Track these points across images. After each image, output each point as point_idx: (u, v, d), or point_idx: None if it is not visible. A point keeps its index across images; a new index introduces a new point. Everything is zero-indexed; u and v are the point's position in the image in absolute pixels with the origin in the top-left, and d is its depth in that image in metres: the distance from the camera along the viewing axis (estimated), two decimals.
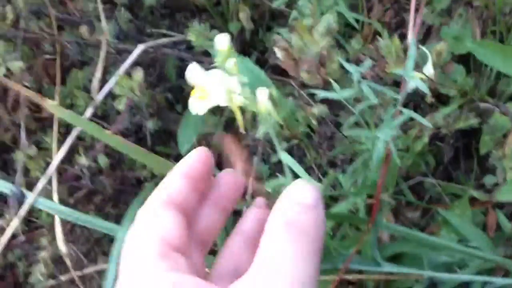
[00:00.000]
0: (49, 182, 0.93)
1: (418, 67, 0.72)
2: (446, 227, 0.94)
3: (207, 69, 0.99)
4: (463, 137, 1.14)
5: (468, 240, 0.91)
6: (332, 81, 0.71)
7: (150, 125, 0.99)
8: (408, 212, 1.11)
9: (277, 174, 0.57)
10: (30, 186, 1.02)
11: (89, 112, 0.86)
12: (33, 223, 1.12)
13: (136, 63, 0.95)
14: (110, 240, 1.08)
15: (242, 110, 0.51)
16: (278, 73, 1.24)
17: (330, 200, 1.08)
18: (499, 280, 0.87)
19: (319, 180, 1.21)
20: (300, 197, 0.46)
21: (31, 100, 1.04)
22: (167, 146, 1.25)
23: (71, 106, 1.02)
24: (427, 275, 0.88)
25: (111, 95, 0.93)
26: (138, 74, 0.82)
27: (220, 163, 1.07)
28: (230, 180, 0.54)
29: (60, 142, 0.95)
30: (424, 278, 0.89)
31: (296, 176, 0.52)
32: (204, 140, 1.15)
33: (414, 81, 0.67)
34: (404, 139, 0.98)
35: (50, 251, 0.95)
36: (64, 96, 1.02)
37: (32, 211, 0.92)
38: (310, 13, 0.89)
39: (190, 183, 0.50)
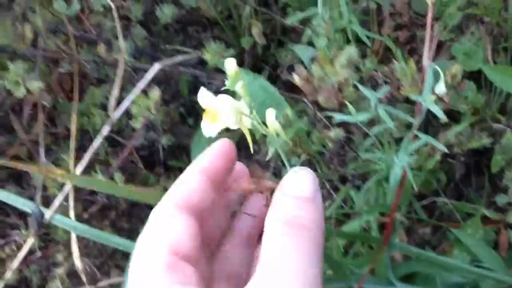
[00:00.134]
0: (66, 198, 0.93)
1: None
2: (459, 246, 0.94)
3: (219, 86, 1.00)
4: (474, 154, 1.14)
5: (480, 260, 0.92)
6: (348, 103, 0.71)
7: (164, 141, 1.00)
8: (420, 228, 1.12)
9: None
10: (46, 198, 1.04)
11: (105, 130, 0.86)
12: (49, 237, 1.13)
13: (151, 80, 0.96)
14: (124, 253, 1.09)
15: (252, 131, 0.52)
16: (290, 89, 1.25)
17: (342, 216, 1.08)
18: None
19: (330, 195, 1.21)
20: (297, 190, 0.45)
21: (47, 115, 1.06)
22: (179, 160, 1.26)
23: (87, 123, 1.03)
24: None
25: (127, 112, 0.94)
26: (155, 93, 0.83)
27: None
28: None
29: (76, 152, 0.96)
30: None
31: None
32: None
33: (431, 106, 0.67)
34: (416, 158, 0.98)
35: (65, 267, 0.95)
36: (81, 112, 1.03)
37: (49, 226, 0.93)
38: (324, 32, 0.90)
39: (208, 182, 0.47)
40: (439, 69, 0.80)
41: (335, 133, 0.74)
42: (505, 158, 0.99)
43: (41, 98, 0.83)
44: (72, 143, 0.91)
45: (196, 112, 1.27)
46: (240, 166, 0.51)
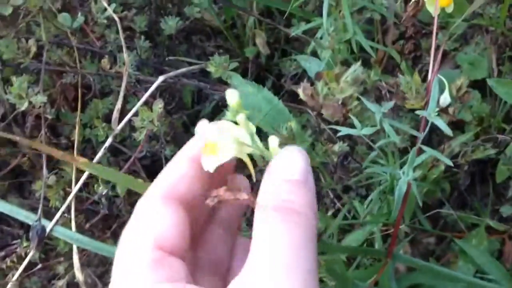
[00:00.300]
0: (68, 208, 0.93)
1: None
2: (463, 257, 0.94)
3: (223, 96, 0.99)
4: (479, 163, 1.14)
5: (485, 271, 0.91)
6: (352, 117, 0.71)
7: (167, 151, 0.99)
8: (424, 238, 1.11)
9: None
10: (47, 209, 1.03)
11: (108, 142, 0.86)
12: (50, 246, 1.12)
13: (155, 91, 0.95)
14: None
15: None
16: (294, 99, 1.25)
17: (346, 225, 1.08)
18: None
19: (334, 204, 1.21)
20: (287, 172, 0.42)
21: (49, 125, 1.05)
22: None
23: (90, 134, 1.03)
24: None
25: (130, 123, 0.94)
26: (159, 105, 0.83)
27: None
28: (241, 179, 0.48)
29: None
30: None
31: None
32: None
33: (436, 121, 0.67)
34: (420, 168, 0.97)
35: (66, 278, 0.95)
36: (84, 124, 1.02)
37: (50, 238, 0.92)
38: (329, 45, 0.90)
39: (197, 168, 0.44)
40: (444, 80, 0.80)
41: (339, 146, 0.74)
42: (511, 168, 0.99)
43: (44, 112, 0.83)
44: (76, 152, 0.91)
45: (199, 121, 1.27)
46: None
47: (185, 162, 0.45)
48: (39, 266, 0.97)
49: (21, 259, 0.97)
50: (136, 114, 0.88)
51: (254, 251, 0.39)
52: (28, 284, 1.06)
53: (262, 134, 0.53)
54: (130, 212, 1.14)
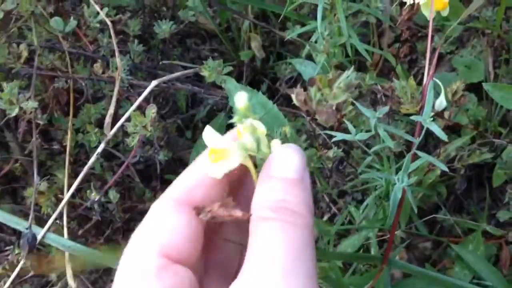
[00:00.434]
0: (60, 215, 0.92)
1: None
2: (460, 263, 0.93)
3: (217, 100, 0.97)
4: (475, 167, 1.13)
5: (482, 277, 0.90)
6: (347, 122, 0.70)
7: (161, 156, 0.98)
8: (420, 243, 1.10)
9: None
10: (39, 215, 1.02)
11: (101, 148, 0.85)
12: (42, 253, 1.11)
13: (148, 95, 0.94)
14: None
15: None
16: (289, 102, 1.24)
17: (342, 230, 1.07)
18: None
19: (329, 209, 1.20)
20: (283, 171, 0.41)
21: (42, 130, 1.04)
22: (176, 174, 1.24)
23: (83, 139, 1.02)
24: None
25: (123, 128, 0.93)
26: (152, 110, 0.82)
27: None
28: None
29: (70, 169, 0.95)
30: None
31: None
32: None
33: (431, 127, 0.66)
34: (416, 173, 0.97)
35: (59, 286, 0.94)
36: (76, 129, 1.01)
37: (43, 245, 0.91)
38: (323, 49, 0.89)
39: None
40: (440, 83, 0.79)
41: (334, 152, 0.73)
42: (507, 172, 0.98)
43: (36, 117, 0.82)
44: (67, 161, 0.90)
45: (194, 125, 1.26)
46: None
47: (203, 167, 0.44)
48: (31, 273, 0.96)
49: (13, 266, 0.96)
50: (129, 119, 0.87)
51: (252, 254, 0.39)
52: None
53: None
54: (123, 218, 1.14)
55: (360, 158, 1.04)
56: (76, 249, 0.88)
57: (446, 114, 0.85)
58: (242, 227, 0.46)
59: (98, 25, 0.93)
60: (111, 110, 0.83)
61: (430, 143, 1.18)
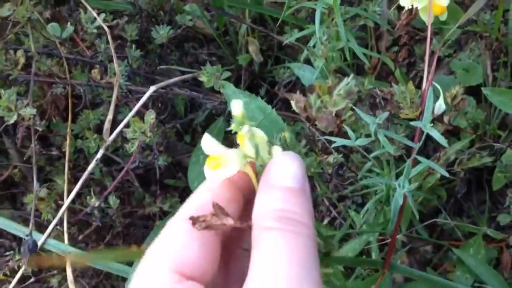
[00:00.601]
0: (60, 221, 0.92)
1: None
2: (461, 267, 0.93)
3: (215, 105, 0.97)
4: (475, 170, 1.13)
5: (483, 281, 0.90)
6: (347, 128, 0.70)
7: (160, 161, 0.98)
8: (421, 246, 1.10)
9: None
10: (39, 220, 1.02)
11: (100, 154, 0.85)
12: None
13: (147, 100, 0.94)
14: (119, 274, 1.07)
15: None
16: (288, 106, 1.24)
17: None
18: None
19: (329, 213, 1.20)
20: (284, 179, 0.41)
21: (40, 135, 1.04)
22: (175, 178, 1.24)
23: (82, 144, 1.01)
24: None
25: (122, 133, 0.93)
26: (151, 116, 0.81)
27: None
28: None
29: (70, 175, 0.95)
30: None
31: None
32: None
33: (431, 132, 0.66)
34: (416, 177, 0.97)
35: None
36: (75, 135, 1.01)
37: (43, 250, 0.91)
38: (322, 53, 0.89)
39: (233, 190, 0.44)
40: (439, 87, 0.79)
41: (334, 158, 0.73)
42: (507, 176, 0.98)
43: (34, 124, 0.81)
44: (67, 167, 0.90)
45: (192, 130, 1.26)
46: None
47: (222, 184, 0.44)
48: (32, 279, 0.96)
49: (14, 272, 0.95)
50: (128, 125, 0.87)
51: (255, 264, 0.38)
52: None
53: None
54: (123, 223, 1.14)
55: (360, 162, 1.04)
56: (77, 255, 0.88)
57: (445, 119, 0.84)
58: None
59: (95, 30, 0.93)
60: (110, 116, 0.83)
61: (429, 146, 1.17)
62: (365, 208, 0.93)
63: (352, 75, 0.52)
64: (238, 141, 0.46)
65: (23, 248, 0.76)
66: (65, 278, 0.96)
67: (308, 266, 0.38)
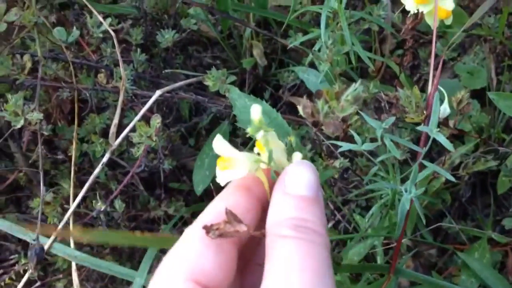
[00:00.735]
0: (66, 224, 0.92)
1: None
2: (466, 271, 0.93)
3: (220, 109, 0.97)
4: (479, 174, 1.13)
5: (488, 285, 0.90)
6: (353, 132, 0.70)
7: (166, 165, 0.98)
8: (425, 250, 1.10)
9: None
10: (45, 225, 1.02)
11: (106, 158, 0.85)
12: (48, 262, 1.11)
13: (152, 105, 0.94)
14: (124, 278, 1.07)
15: None
16: (292, 109, 1.24)
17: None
18: None
19: (334, 216, 1.20)
20: (299, 188, 0.41)
21: (45, 139, 1.04)
22: (180, 181, 1.24)
23: (87, 148, 1.01)
24: None
25: (128, 137, 0.93)
26: (157, 121, 0.82)
27: None
28: None
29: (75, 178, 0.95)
30: None
31: None
32: None
33: (438, 138, 0.66)
34: (421, 182, 0.97)
35: None
36: (80, 139, 1.01)
37: (49, 254, 0.91)
38: (327, 58, 0.89)
39: (250, 198, 0.44)
40: (443, 91, 0.79)
41: (341, 162, 0.73)
42: None
43: (41, 128, 0.82)
44: (73, 171, 0.90)
45: (197, 133, 1.26)
46: None
47: (237, 191, 0.44)
48: (38, 283, 0.96)
49: (19, 276, 0.96)
50: (133, 129, 0.87)
51: (270, 273, 0.39)
52: None
53: None
54: (128, 227, 1.14)
55: (364, 166, 1.04)
56: (82, 259, 0.88)
57: (451, 123, 0.85)
58: None
59: (101, 35, 0.93)
60: (115, 120, 0.83)
61: (433, 149, 1.17)
62: (370, 212, 0.93)
63: (360, 80, 0.52)
64: (256, 146, 0.46)
65: (30, 253, 0.76)
66: (70, 282, 0.96)
67: (321, 274, 0.38)
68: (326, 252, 0.40)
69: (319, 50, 0.93)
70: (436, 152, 1.17)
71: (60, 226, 0.82)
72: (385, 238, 0.99)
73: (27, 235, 0.86)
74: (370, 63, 0.96)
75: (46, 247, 0.85)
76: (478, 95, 1.13)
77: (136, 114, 0.92)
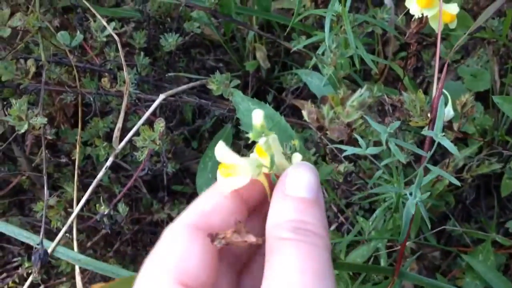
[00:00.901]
0: (69, 228, 0.92)
1: None
2: (470, 273, 0.93)
3: (223, 112, 0.97)
4: (483, 176, 1.13)
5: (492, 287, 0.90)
6: (357, 137, 0.70)
7: (169, 168, 0.98)
8: (429, 252, 1.10)
9: None
10: (48, 227, 1.02)
11: (109, 161, 0.85)
12: (51, 265, 1.11)
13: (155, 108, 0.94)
14: None
15: None
16: (295, 112, 1.24)
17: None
18: None
19: (337, 219, 1.20)
20: (299, 190, 0.41)
21: (49, 143, 1.04)
22: (183, 184, 1.24)
23: (90, 152, 1.01)
24: None
25: (131, 140, 0.93)
26: (161, 124, 0.82)
27: None
28: None
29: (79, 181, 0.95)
30: None
31: None
32: None
33: (443, 142, 0.66)
34: (425, 185, 0.96)
35: None
36: (84, 142, 1.01)
37: (52, 257, 0.91)
38: (331, 61, 0.89)
39: (236, 200, 0.44)
40: (447, 94, 0.79)
41: (345, 167, 0.73)
42: None
43: (44, 133, 0.82)
44: (76, 175, 0.90)
45: (200, 136, 1.26)
46: None
47: (222, 193, 0.44)
48: (42, 287, 0.96)
49: (23, 279, 0.96)
50: (137, 133, 0.87)
51: (269, 275, 0.38)
52: None
53: None
54: (131, 230, 1.14)
55: (368, 169, 1.04)
56: (86, 262, 0.88)
57: (455, 126, 0.84)
58: None
59: (104, 38, 0.93)
60: (119, 124, 0.83)
61: (437, 152, 1.17)
62: (374, 215, 0.93)
63: (365, 86, 0.52)
64: (256, 151, 0.46)
65: (34, 257, 0.76)
66: (74, 285, 0.96)
67: (322, 275, 0.38)
68: (326, 254, 0.39)
69: (323, 54, 0.93)
70: (439, 155, 1.17)
71: (63, 230, 0.82)
72: (389, 241, 0.99)
73: (31, 238, 0.86)
74: (373, 66, 0.96)
75: (49, 250, 0.84)
76: (482, 97, 1.13)
77: (139, 118, 0.92)
